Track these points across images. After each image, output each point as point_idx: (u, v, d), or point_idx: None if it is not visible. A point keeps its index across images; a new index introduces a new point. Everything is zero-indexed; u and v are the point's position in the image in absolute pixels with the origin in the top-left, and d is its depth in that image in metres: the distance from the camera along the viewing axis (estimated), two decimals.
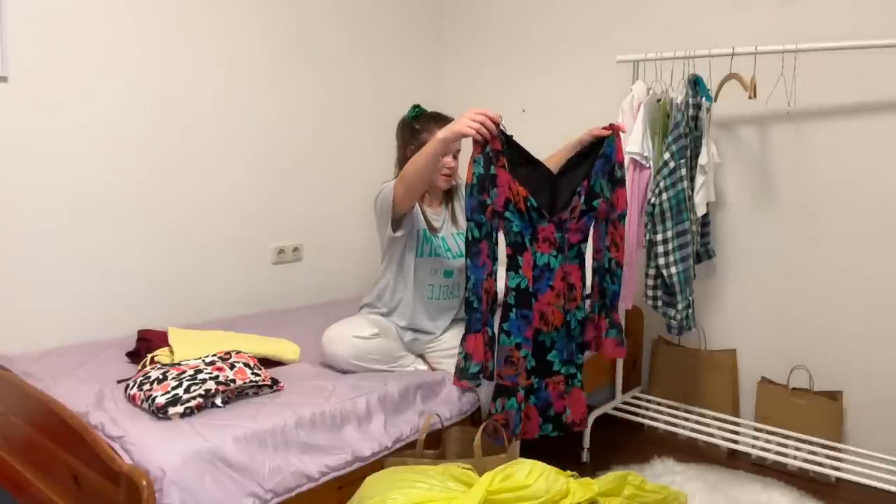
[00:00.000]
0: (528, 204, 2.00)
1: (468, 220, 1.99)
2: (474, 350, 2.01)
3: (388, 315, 2.27)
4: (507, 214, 2.00)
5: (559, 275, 2.05)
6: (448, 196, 2.36)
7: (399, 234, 2.17)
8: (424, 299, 2.25)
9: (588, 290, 2.19)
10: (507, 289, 2.03)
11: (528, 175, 2.03)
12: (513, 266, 2.03)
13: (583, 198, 2.06)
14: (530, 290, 2.02)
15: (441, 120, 2.21)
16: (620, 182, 2.11)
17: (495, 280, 2.03)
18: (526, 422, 2.08)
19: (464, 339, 2.03)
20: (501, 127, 1.98)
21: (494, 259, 2.01)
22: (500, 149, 1.97)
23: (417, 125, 2.22)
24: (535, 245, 2.03)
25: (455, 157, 2.24)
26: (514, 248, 2.02)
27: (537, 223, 2.03)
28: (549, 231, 2.03)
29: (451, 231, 2.31)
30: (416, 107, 2.30)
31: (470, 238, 1.98)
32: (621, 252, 2.14)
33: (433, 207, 2.32)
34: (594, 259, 2.17)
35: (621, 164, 2.11)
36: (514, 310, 2.02)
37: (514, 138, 2.02)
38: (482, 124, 1.91)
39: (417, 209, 2.22)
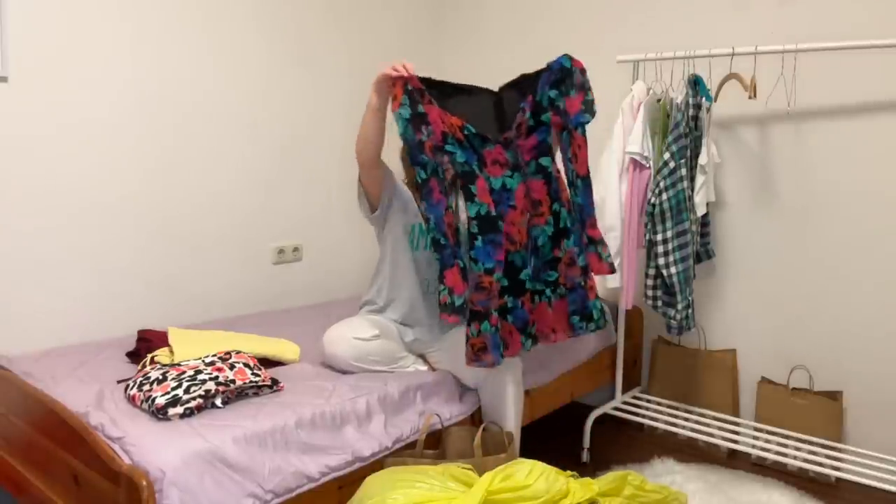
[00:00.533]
0: (466, 132, 1.99)
1: (413, 165, 1.97)
2: (454, 283, 1.97)
3: (388, 310, 2.27)
4: (448, 147, 1.98)
5: (520, 193, 2.02)
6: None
7: (377, 213, 2.19)
8: (422, 293, 2.24)
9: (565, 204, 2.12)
10: (469, 219, 2.00)
11: (463, 103, 2.04)
12: (468, 196, 1.99)
13: (528, 113, 2.02)
14: (493, 213, 1.99)
15: None
16: (576, 87, 2.02)
17: (455, 213, 2.01)
18: (509, 337, 2.05)
19: (441, 275, 2.00)
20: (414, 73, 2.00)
21: (446, 194, 2.00)
22: (421, 88, 1.98)
23: None
24: (485, 170, 2.01)
25: None
26: (465, 177, 1.99)
27: (482, 148, 2.01)
28: (496, 153, 2.01)
29: None
30: None
31: (419, 181, 1.97)
32: (581, 163, 2.06)
33: None
34: (565, 174, 2.11)
35: (582, 71, 2.03)
36: (478, 237, 1.98)
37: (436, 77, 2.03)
38: (395, 65, 1.96)
39: (412, 203, 2.22)
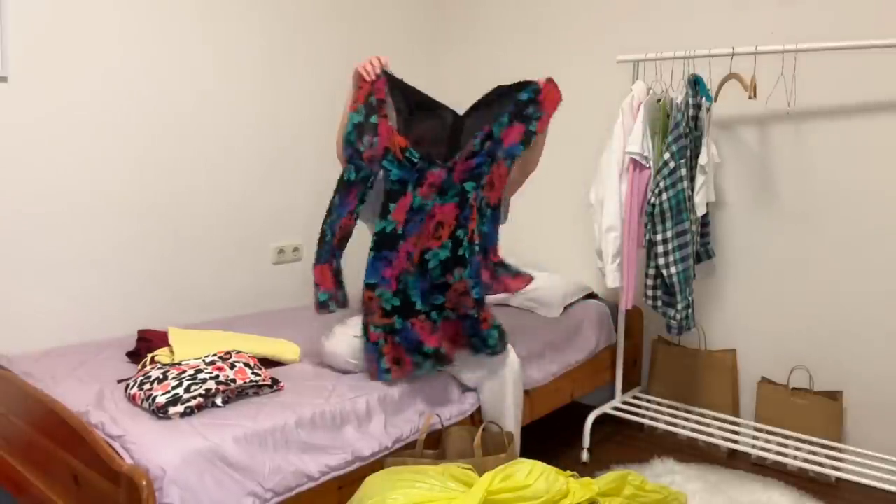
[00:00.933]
0: (407, 154, 2.00)
1: (347, 161, 2.01)
2: (321, 279, 2.03)
3: None
4: (385, 163, 2.01)
5: (430, 215, 2.02)
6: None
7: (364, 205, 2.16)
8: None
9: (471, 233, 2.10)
10: (373, 234, 2.02)
11: (422, 120, 2.06)
12: (383, 212, 2.01)
13: (477, 139, 2.02)
14: (398, 232, 2.01)
15: None
16: (521, 118, 2.02)
17: (355, 221, 2.04)
18: (395, 367, 2.02)
19: (313, 269, 2.05)
20: (390, 72, 2.01)
21: (362, 202, 2.02)
22: (383, 98, 2.00)
23: None
24: (418, 189, 2.02)
25: None
26: (390, 194, 2.01)
27: (426, 169, 2.01)
28: (436, 175, 2.01)
29: None
30: None
31: (345, 178, 2.01)
32: (495, 191, 2.06)
33: None
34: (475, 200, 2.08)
35: (534, 103, 2.03)
36: (372, 252, 2.01)
37: (409, 82, 2.04)
38: (369, 63, 1.98)
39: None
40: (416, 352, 2.02)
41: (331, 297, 2.04)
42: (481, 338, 2.07)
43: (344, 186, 2.01)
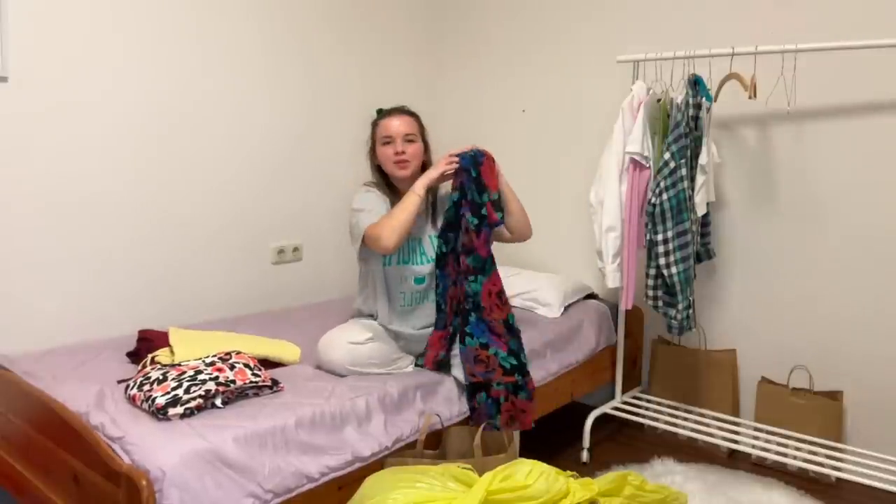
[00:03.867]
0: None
1: (438, 237, 2.19)
2: (433, 344, 2.20)
3: (377, 318, 2.27)
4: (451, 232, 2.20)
5: (484, 293, 2.14)
6: (427, 195, 2.25)
7: (370, 257, 2.23)
8: (397, 307, 2.23)
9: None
10: (466, 295, 2.14)
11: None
12: (466, 276, 2.15)
13: (469, 216, 2.11)
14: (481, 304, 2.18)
15: (387, 112, 2.24)
16: (489, 193, 2.12)
17: (461, 289, 2.16)
18: (521, 415, 2.14)
19: (431, 334, 2.22)
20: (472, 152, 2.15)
21: (459, 271, 2.16)
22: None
23: (372, 126, 2.27)
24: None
25: (407, 141, 2.19)
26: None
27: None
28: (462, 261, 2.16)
29: (430, 233, 2.26)
30: (380, 111, 2.30)
31: (439, 253, 2.19)
32: (479, 248, 2.15)
33: None
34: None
35: (487, 185, 2.12)
36: (472, 314, 2.14)
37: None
38: (451, 160, 2.14)
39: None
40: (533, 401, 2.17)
41: (437, 359, 2.19)
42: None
43: (441, 259, 2.19)
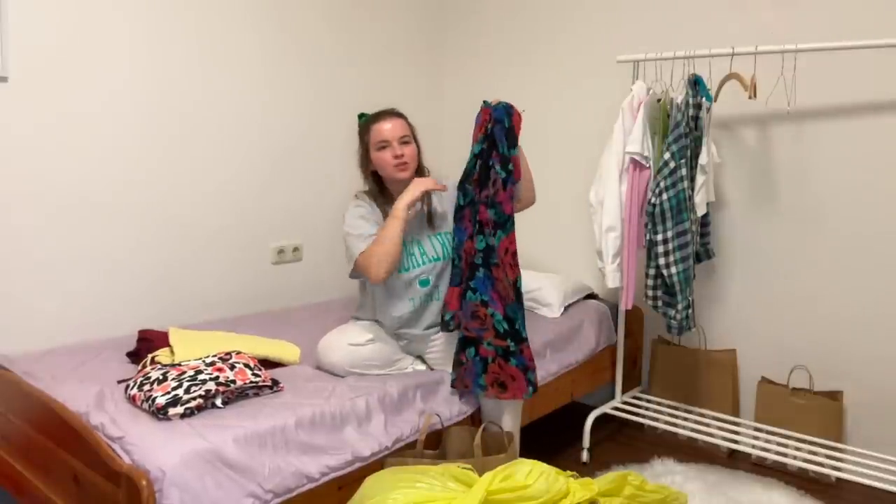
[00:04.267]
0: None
1: (458, 189, 2.14)
2: (450, 300, 2.15)
3: (379, 323, 2.26)
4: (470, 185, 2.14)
5: (501, 249, 2.08)
6: (423, 195, 2.23)
7: (363, 276, 2.20)
8: (406, 311, 2.22)
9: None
10: (476, 250, 2.09)
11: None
12: (479, 228, 2.10)
13: (499, 167, 2.07)
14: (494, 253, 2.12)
15: (377, 116, 2.20)
16: (516, 147, 2.09)
17: (475, 243, 2.11)
18: (511, 382, 2.09)
19: (447, 290, 2.18)
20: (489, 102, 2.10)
21: (475, 224, 2.11)
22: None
23: (362, 132, 2.22)
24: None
25: (403, 143, 2.16)
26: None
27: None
28: (481, 211, 2.10)
29: (428, 233, 2.24)
30: (361, 115, 2.26)
31: (457, 205, 2.15)
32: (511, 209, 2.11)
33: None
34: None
35: (517, 125, 2.08)
36: (480, 269, 2.09)
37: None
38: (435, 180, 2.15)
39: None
40: (524, 375, 2.09)
41: (453, 317, 2.14)
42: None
43: (458, 212, 2.15)
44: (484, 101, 2.10)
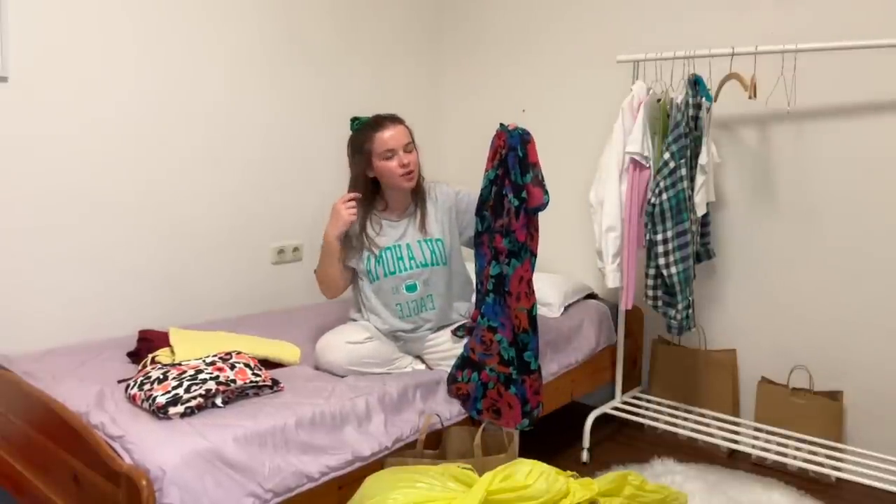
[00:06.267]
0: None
1: (476, 214, 2.15)
2: (474, 317, 2.20)
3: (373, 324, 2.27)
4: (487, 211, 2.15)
5: (515, 280, 2.07)
6: (417, 200, 2.25)
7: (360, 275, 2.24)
8: (396, 317, 2.22)
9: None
10: (488, 276, 2.10)
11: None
12: (494, 255, 2.11)
13: (511, 196, 2.05)
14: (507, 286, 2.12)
15: (379, 123, 2.15)
16: (536, 175, 2.06)
17: (491, 268, 2.12)
18: (507, 410, 2.09)
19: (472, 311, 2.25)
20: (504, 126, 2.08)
21: (492, 249, 2.12)
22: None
23: (360, 138, 2.16)
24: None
25: (407, 151, 2.14)
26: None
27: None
28: (497, 241, 2.10)
29: (418, 238, 2.22)
30: (354, 119, 2.22)
31: (476, 230, 2.16)
32: (536, 241, 2.09)
33: (394, 215, 2.25)
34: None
35: (534, 164, 2.06)
36: (490, 295, 2.11)
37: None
38: (346, 206, 2.14)
39: (357, 243, 2.21)
40: (522, 407, 2.09)
41: (465, 329, 2.23)
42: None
43: (476, 238, 2.16)
44: (500, 125, 2.09)
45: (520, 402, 2.08)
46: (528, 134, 2.05)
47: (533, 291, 2.09)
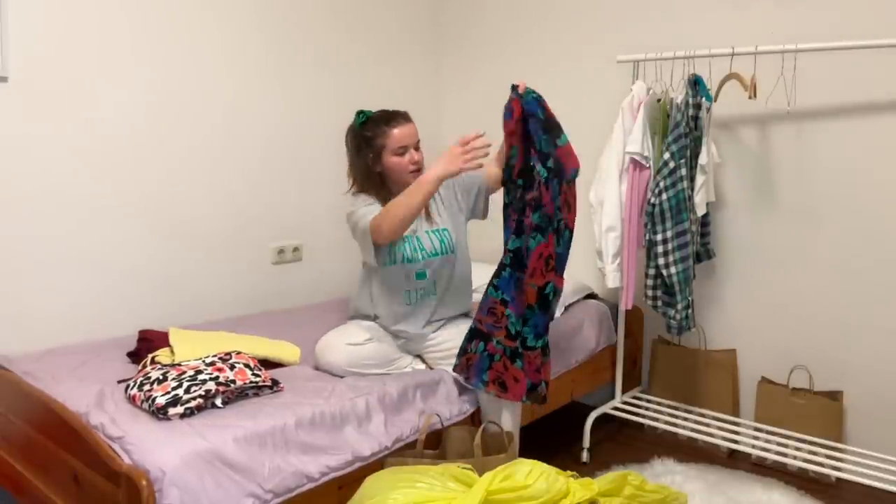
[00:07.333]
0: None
1: (504, 186, 2.11)
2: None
3: (379, 318, 2.26)
4: (519, 181, 2.08)
5: (535, 255, 2.03)
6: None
7: (379, 259, 2.17)
8: (402, 305, 2.22)
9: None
10: (507, 248, 2.08)
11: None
12: (517, 229, 2.06)
13: (539, 167, 2.01)
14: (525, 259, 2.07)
15: (392, 119, 2.16)
16: (561, 133, 2.02)
17: (520, 239, 2.08)
18: (513, 384, 2.07)
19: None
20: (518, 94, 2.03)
21: (518, 220, 2.08)
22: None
23: (368, 132, 2.16)
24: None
25: (416, 149, 2.18)
26: (518, 212, 2.08)
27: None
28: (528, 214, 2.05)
29: (426, 228, 2.23)
30: (361, 112, 2.21)
31: (504, 202, 2.11)
32: (573, 213, 2.06)
33: None
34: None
35: (557, 125, 2.02)
36: (507, 269, 2.08)
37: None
38: (473, 156, 1.96)
39: None
40: (528, 381, 2.07)
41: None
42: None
43: (504, 209, 2.10)
44: (512, 87, 2.00)
45: (525, 376, 2.07)
46: (540, 95, 2.01)
47: (553, 269, 2.02)
